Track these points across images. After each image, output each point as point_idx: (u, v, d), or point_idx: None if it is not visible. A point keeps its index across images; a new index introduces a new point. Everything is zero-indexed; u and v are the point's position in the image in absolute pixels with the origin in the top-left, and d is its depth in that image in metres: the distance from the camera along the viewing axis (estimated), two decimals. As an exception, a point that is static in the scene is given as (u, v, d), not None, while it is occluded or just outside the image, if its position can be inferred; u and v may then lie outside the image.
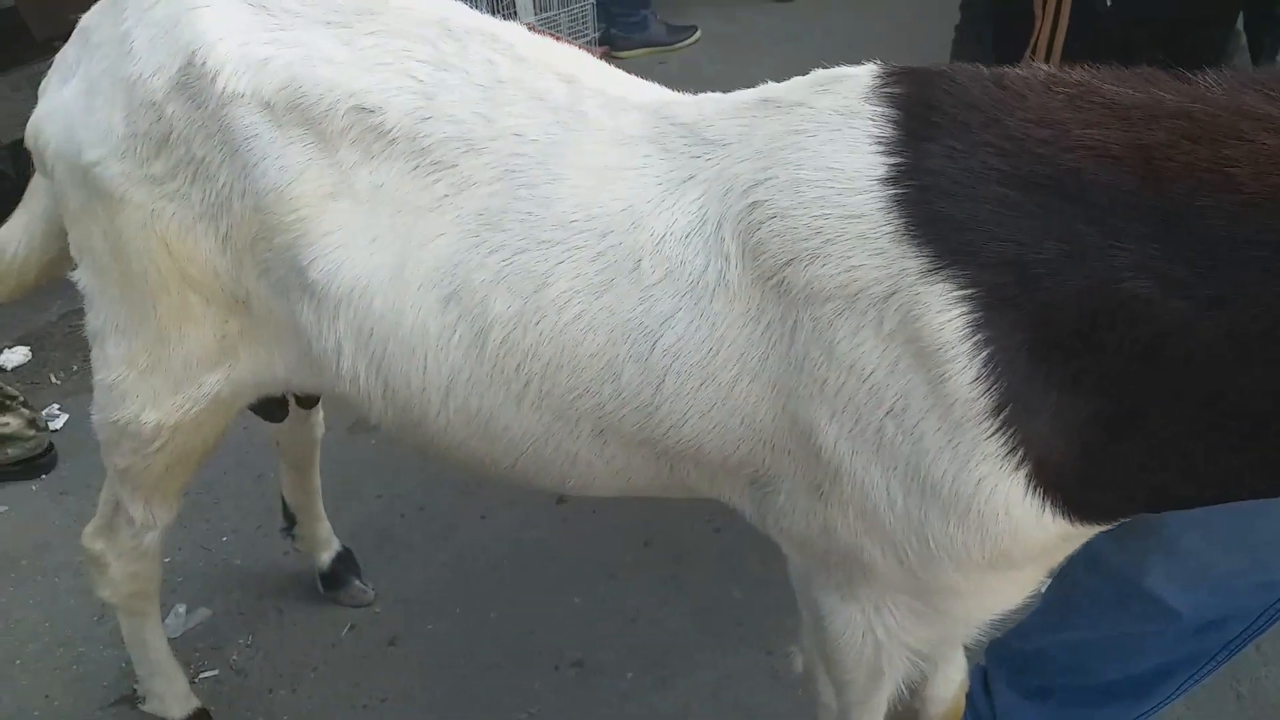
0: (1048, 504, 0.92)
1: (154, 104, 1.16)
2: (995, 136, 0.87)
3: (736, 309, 0.99)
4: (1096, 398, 0.86)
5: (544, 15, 3.92)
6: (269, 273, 1.19)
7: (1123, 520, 0.99)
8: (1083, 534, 1.00)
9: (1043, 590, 1.49)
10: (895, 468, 0.94)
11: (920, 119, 0.91)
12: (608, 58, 4.24)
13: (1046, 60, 1.83)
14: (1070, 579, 1.44)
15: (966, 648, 1.42)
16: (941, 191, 0.87)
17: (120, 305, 1.27)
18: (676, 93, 1.18)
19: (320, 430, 1.84)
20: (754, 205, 0.97)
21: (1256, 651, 1.77)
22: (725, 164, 1.01)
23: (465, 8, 1.22)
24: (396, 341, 1.13)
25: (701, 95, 1.14)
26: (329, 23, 1.17)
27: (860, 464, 0.96)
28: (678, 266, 1.01)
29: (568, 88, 1.13)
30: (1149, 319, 0.81)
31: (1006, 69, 0.93)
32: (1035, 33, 1.84)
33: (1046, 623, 1.50)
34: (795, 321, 0.96)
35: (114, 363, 1.30)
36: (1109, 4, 1.78)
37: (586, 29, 4.11)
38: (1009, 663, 1.55)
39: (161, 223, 1.20)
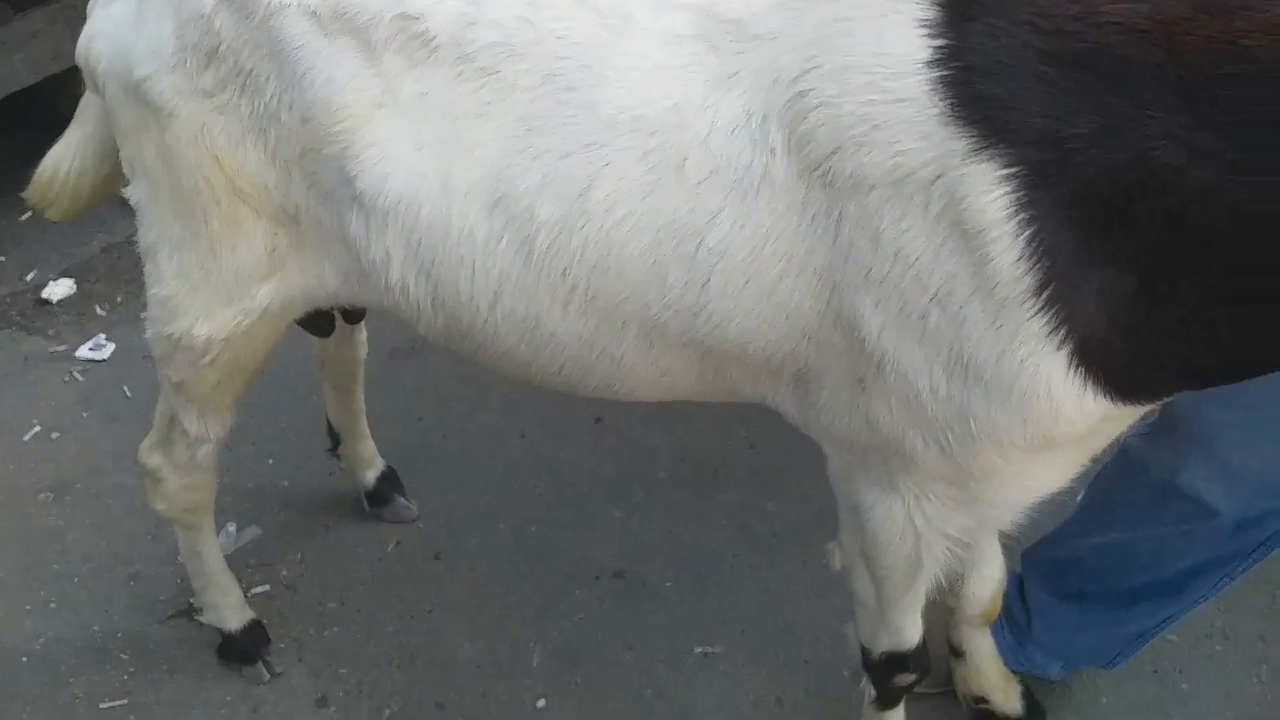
0: (1089, 383, 0.93)
1: (203, 16, 1.18)
2: (1032, 14, 0.88)
3: (782, 203, 1.00)
4: (1134, 272, 0.88)
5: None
6: (317, 184, 1.22)
7: (1164, 400, 1.00)
8: (1124, 414, 1.02)
9: (1079, 499, 1.52)
10: (939, 353, 0.96)
11: (962, 1, 0.91)
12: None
13: None
14: (1107, 482, 1.46)
15: (1005, 550, 1.45)
16: (984, 71, 0.89)
17: (173, 220, 1.30)
18: None
19: (364, 350, 1.88)
20: (800, 95, 0.98)
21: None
22: (772, 55, 1.02)
23: None
24: (444, 249, 1.15)
25: None
26: None
27: (904, 351, 0.98)
28: (723, 163, 1.02)
29: None
30: (1178, 187, 0.83)
31: None
32: None
33: (1082, 528, 1.52)
34: (841, 212, 0.97)
35: (167, 277, 1.34)
36: None
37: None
38: (1044, 568, 1.58)
39: (212, 136, 1.23)
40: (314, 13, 1.15)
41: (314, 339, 1.80)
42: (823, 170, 0.97)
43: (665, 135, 1.05)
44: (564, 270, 1.11)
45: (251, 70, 1.19)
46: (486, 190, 1.12)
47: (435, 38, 1.13)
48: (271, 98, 1.19)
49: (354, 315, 1.74)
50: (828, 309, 1.02)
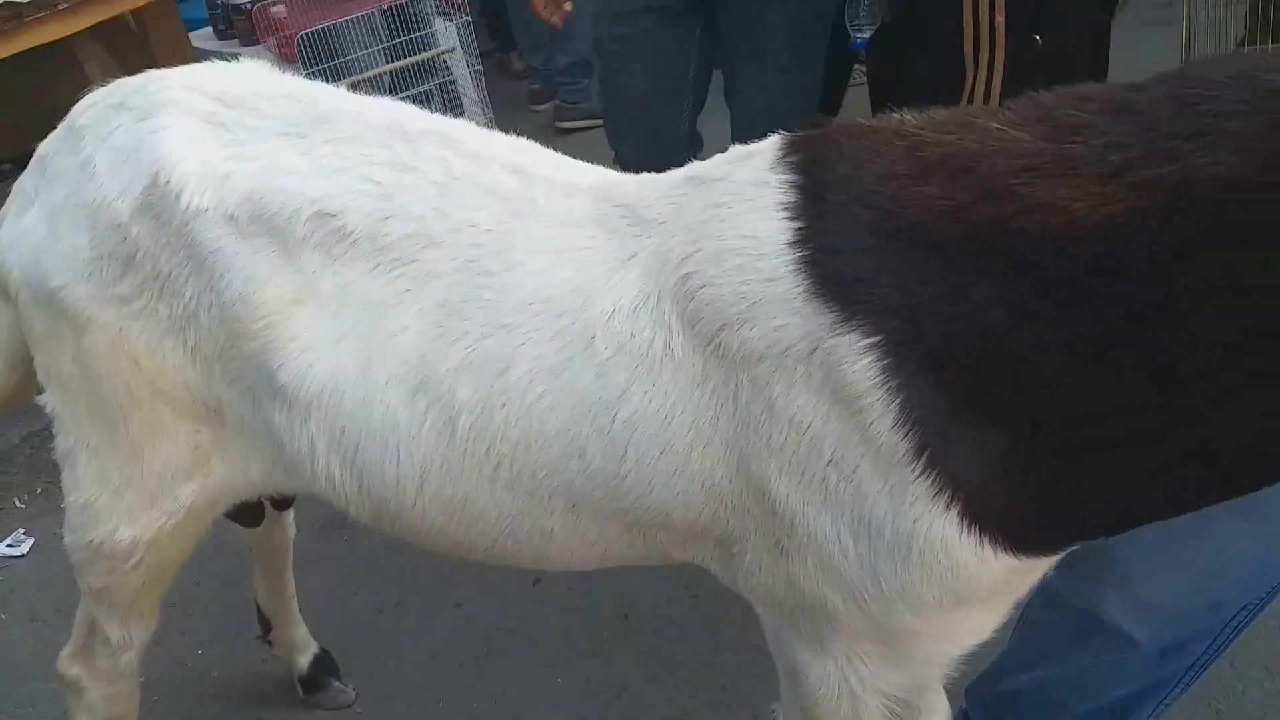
0: (985, 540, 0.96)
1: (119, 225, 1.20)
2: (861, 191, 0.95)
3: (684, 377, 1.04)
4: (1002, 429, 0.92)
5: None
6: (239, 380, 1.22)
7: (1067, 549, 1.03)
8: (1031, 566, 1.04)
9: (1014, 629, 1.53)
10: (843, 515, 0.99)
11: (814, 182, 0.99)
12: (553, 129, 4.37)
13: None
14: (1033, 615, 1.48)
15: (948, 690, 1.45)
16: (833, 249, 0.95)
17: (91, 425, 1.29)
18: (619, 173, 1.24)
19: (292, 531, 1.85)
20: (686, 276, 1.04)
21: (1230, 667, 1.81)
22: (661, 240, 1.08)
23: (416, 110, 1.28)
24: (368, 437, 1.16)
25: (641, 175, 1.20)
26: (287, 134, 1.22)
27: (812, 514, 1.01)
28: (628, 340, 1.07)
29: (518, 178, 1.19)
30: (1011, 347, 0.89)
31: (878, 120, 1.01)
32: (970, 84, 1.94)
33: (1018, 662, 1.53)
34: (737, 383, 1.02)
35: (86, 483, 1.32)
36: (1040, 43, 1.87)
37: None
38: (988, 704, 1.58)
39: (130, 340, 1.23)
40: (232, 216, 1.17)
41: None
42: (715, 345, 1.02)
43: (573, 315, 1.09)
44: (488, 449, 1.13)
45: (170, 274, 1.20)
46: (408, 376, 1.14)
47: (353, 232, 1.17)
48: (190, 299, 1.21)
49: (282, 503, 1.73)
50: (738, 475, 1.05)
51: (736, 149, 1.10)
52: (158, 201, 1.18)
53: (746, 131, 1.20)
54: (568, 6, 2.40)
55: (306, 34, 3.43)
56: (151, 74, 1.27)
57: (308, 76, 3.40)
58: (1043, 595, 1.43)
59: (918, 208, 0.91)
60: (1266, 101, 0.77)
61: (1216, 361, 0.84)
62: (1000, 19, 1.83)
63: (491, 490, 1.14)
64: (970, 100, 1.92)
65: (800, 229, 0.98)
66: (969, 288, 0.89)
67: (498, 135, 1.28)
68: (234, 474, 1.30)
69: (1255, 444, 0.88)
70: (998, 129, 0.91)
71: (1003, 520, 0.97)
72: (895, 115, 1.00)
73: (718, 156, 1.11)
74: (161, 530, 1.32)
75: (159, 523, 1.32)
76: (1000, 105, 0.95)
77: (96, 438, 1.30)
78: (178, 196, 1.17)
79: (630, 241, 1.11)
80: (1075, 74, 2.12)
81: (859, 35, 2.05)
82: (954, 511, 0.96)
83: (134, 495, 1.31)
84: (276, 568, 1.86)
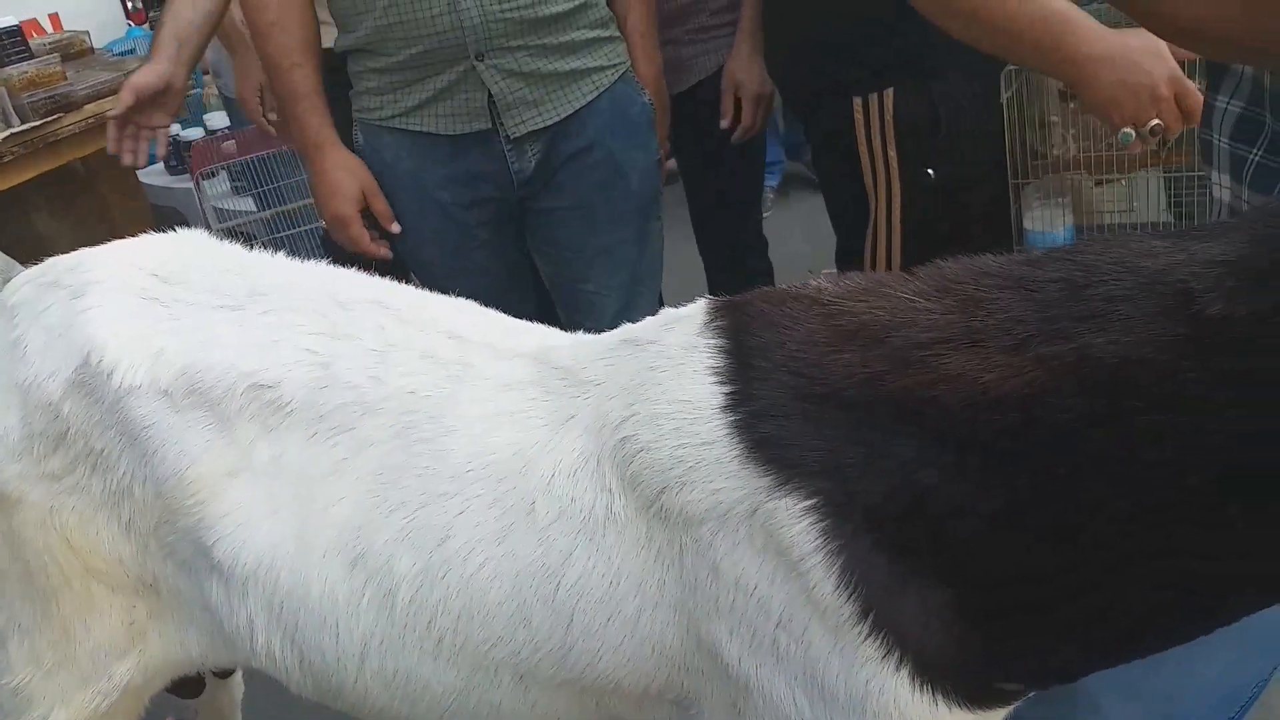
0: (939, 697, 0.95)
1: (50, 404, 1.18)
2: (785, 357, 0.97)
3: (627, 539, 1.03)
4: (942, 586, 0.92)
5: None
6: (174, 554, 1.20)
7: (1024, 698, 1.02)
8: (992, 717, 1.03)
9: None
10: (796, 677, 0.98)
11: (742, 347, 1.00)
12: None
13: (888, 237, 2.02)
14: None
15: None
16: (764, 414, 0.96)
17: (21, 605, 1.26)
18: (558, 334, 1.25)
19: (239, 690, 1.80)
20: (624, 440, 1.04)
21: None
22: (598, 402, 1.08)
23: (354, 275, 1.29)
24: (307, 612, 1.14)
25: (576, 336, 1.21)
26: (221, 306, 1.22)
27: (765, 676, 0.99)
28: (569, 504, 1.06)
29: (455, 343, 1.20)
30: (941, 504, 0.90)
31: (796, 286, 1.04)
32: (873, 214, 2.03)
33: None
34: (681, 545, 1.01)
35: (17, 665, 1.28)
36: (932, 176, 1.97)
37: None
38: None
39: (61, 517, 1.21)
40: (165, 391, 1.17)
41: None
42: (657, 508, 1.01)
43: (513, 480, 1.08)
44: (429, 622, 1.10)
45: (103, 450, 1.19)
46: (345, 548, 1.13)
47: (289, 402, 1.16)
48: (124, 474, 1.19)
49: (224, 672, 1.68)
50: (688, 638, 1.03)
51: (666, 312, 1.11)
52: (90, 380, 1.17)
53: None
54: (395, 228, 2.08)
55: (250, 159, 3.43)
56: (84, 252, 1.28)
57: (256, 198, 3.42)
58: None
59: (839, 374, 0.94)
60: (1149, 287, 0.83)
61: (1113, 533, 0.86)
62: (893, 153, 1.93)
63: (435, 665, 1.12)
64: (875, 229, 2.00)
65: (730, 393, 0.99)
66: (894, 450, 0.91)
67: (436, 298, 1.29)
68: (171, 649, 1.27)
69: (1151, 613, 0.90)
70: (908, 300, 0.94)
71: (953, 676, 0.96)
72: (813, 282, 1.03)
73: (649, 320, 1.13)
74: (97, 710, 1.28)
75: (94, 703, 1.28)
76: (907, 271, 0.99)
77: (27, 618, 1.26)
78: (110, 375, 1.16)
79: (569, 403, 1.11)
80: (971, 205, 2.23)
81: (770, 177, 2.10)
82: (904, 672, 0.95)
83: (67, 676, 1.27)
84: (225, 728, 1.80)
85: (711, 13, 2.44)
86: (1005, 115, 2.01)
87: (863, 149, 2.02)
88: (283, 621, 1.15)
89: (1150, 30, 1.22)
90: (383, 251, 2.06)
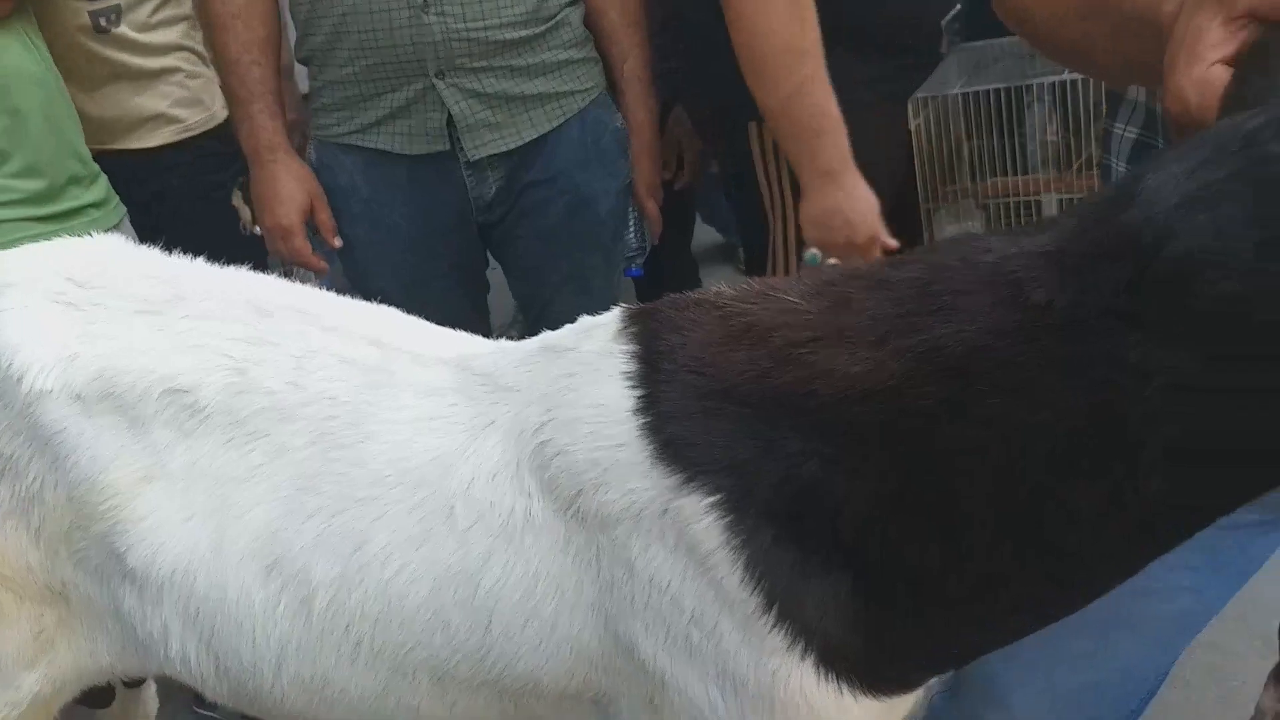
0: (844, 686, 1.00)
1: (-43, 410, 1.17)
2: (687, 359, 1.02)
3: (545, 542, 1.06)
4: (840, 576, 0.97)
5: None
6: (86, 561, 1.19)
7: (925, 684, 1.07)
8: (898, 704, 1.07)
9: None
10: (709, 671, 1.01)
11: (650, 352, 1.05)
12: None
13: (785, 258, 2.11)
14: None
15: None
16: (670, 415, 1.01)
17: (-74, 615, 1.23)
18: (480, 341, 1.26)
19: (154, 705, 1.76)
20: (542, 444, 1.06)
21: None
22: (518, 408, 1.11)
23: (275, 282, 1.30)
24: (223, 618, 1.14)
25: (498, 343, 1.23)
26: (140, 311, 1.22)
27: (679, 672, 1.03)
28: (488, 509, 1.08)
29: (377, 349, 1.21)
30: (829, 495, 0.95)
31: (699, 292, 1.09)
32: (772, 231, 2.11)
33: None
34: (598, 546, 1.04)
35: (-80, 675, 1.25)
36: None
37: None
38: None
39: (-32, 523, 1.19)
40: (78, 396, 1.16)
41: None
42: (573, 510, 1.04)
43: (432, 485, 1.10)
44: (346, 627, 1.11)
45: (12, 455, 1.18)
46: (261, 554, 1.13)
47: (206, 407, 1.16)
48: (34, 479, 1.18)
49: (134, 681, 1.65)
50: (606, 636, 1.06)
51: (584, 320, 1.14)
52: (-1, 384, 1.16)
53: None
54: (336, 243, 2.04)
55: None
56: (-2, 254, 1.26)
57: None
58: (928, 717, 1.47)
59: (733, 373, 0.99)
60: (986, 280, 0.90)
61: (984, 513, 0.92)
62: (785, 185, 2.04)
63: (352, 669, 1.12)
64: (772, 244, 2.10)
65: (641, 396, 1.02)
66: (784, 444, 0.96)
67: (359, 305, 1.30)
68: (81, 658, 1.25)
69: (1027, 589, 0.96)
70: (791, 302, 1.00)
71: (856, 665, 1.00)
72: (714, 289, 1.08)
73: (568, 327, 1.15)
74: (2, 723, 1.26)
75: (1, 715, 1.25)
76: (796, 276, 1.06)
77: (-68, 629, 1.23)
78: (19, 380, 1.15)
79: (489, 408, 1.13)
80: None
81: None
82: (809, 661, 0.99)
83: (-28, 687, 1.24)
84: (136, 745, 1.76)
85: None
86: (914, 142, 2.08)
87: (759, 172, 2.09)
88: (198, 627, 1.15)
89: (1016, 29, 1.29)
90: (322, 265, 2.02)
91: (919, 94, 2.08)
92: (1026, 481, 0.89)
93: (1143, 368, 0.80)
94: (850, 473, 0.94)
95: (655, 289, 2.80)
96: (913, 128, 2.07)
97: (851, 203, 1.86)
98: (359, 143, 1.91)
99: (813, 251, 1.94)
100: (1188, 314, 0.78)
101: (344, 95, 1.90)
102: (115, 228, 1.87)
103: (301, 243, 1.98)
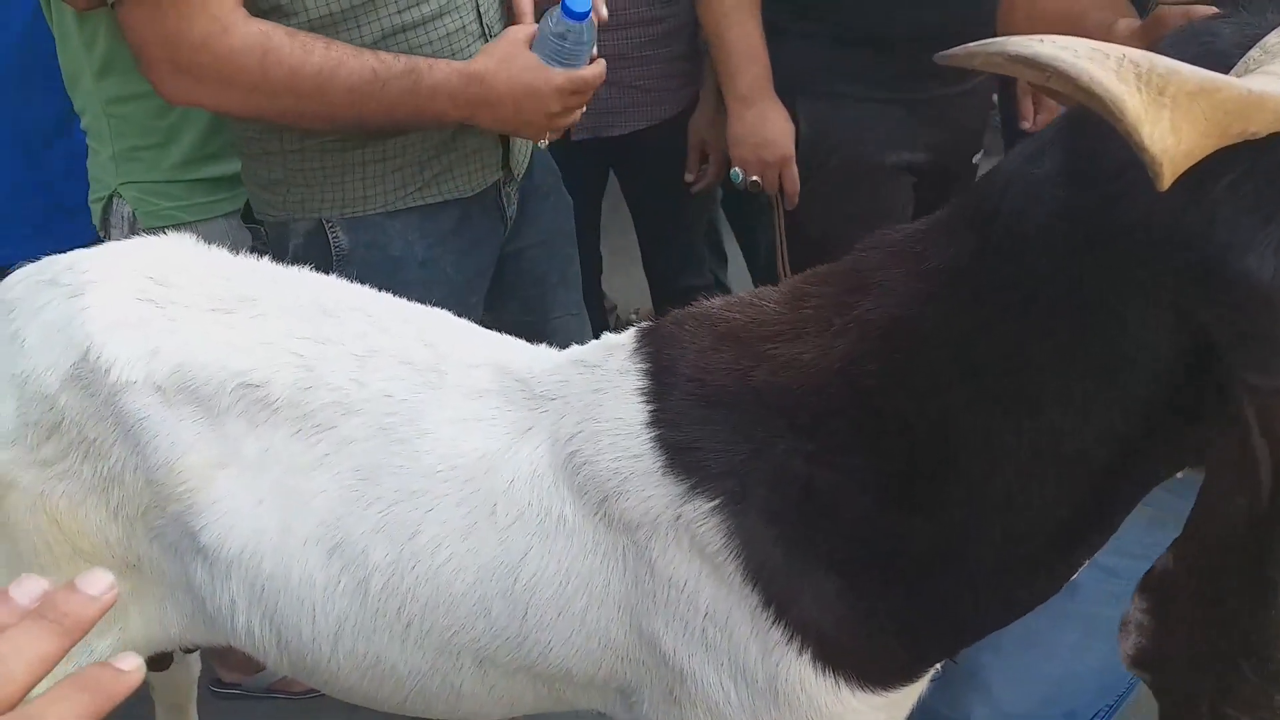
0: (840, 680, 1.09)
1: (46, 396, 1.26)
2: (686, 370, 1.11)
3: (576, 542, 1.16)
4: (833, 572, 1.05)
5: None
6: (161, 537, 1.29)
7: (921, 676, 1.15)
8: (895, 699, 1.16)
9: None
10: (723, 664, 1.11)
11: (657, 368, 1.14)
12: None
13: (781, 248, 2.27)
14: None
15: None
16: (675, 425, 1.10)
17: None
18: (519, 346, 1.33)
19: (197, 668, 1.87)
20: (572, 454, 1.16)
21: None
22: (554, 416, 1.20)
23: (338, 283, 1.38)
24: (286, 596, 1.23)
25: (535, 350, 1.31)
26: (214, 310, 1.31)
27: (697, 665, 1.12)
28: (526, 508, 1.18)
29: (430, 351, 1.30)
30: (813, 492, 1.03)
31: (693, 306, 1.17)
32: (778, 249, 2.25)
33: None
34: (622, 548, 1.14)
35: (4, 640, 1.34)
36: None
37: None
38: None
39: (51, 501, 1.28)
40: (159, 387, 1.25)
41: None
42: (601, 514, 1.14)
43: (478, 482, 1.20)
44: (399, 609, 1.21)
45: (95, 439, 1.27)
46: (324, 538, 1.22)
47: (276, 400, 1.25)
48: (115, 461, 1.27)
49: (189, 649, 1.75)
50: (631, 631, 1.16)
51: (609, 337, 1.24)
52: (87, 375, 1.25)
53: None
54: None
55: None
56: (80, 252, 1.35)
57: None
58: (917, 710, 1.55)
59: (720, 375, 1.08)
60: (895, 255, 1.01)
61: (943, 490, 0.99)
62: (781, 222, 2.24)
63: (403, 648, 1.22)
64: (779, 243, 2.31)
65: (653, 410, 1.12)
66: (771, 442, 1.05)
67: (414, 307, 1.38)
68: (151, 627, 1.35)
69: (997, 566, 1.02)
70: (768, 307, 1.10)
71: (852, 659, 1.09)
72: (707, 301, 1.18)
73: (594, 344, 1.25)
74: (77, 684, 1.35)
75: (76, 677, 1.34)
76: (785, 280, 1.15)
77: (16, 596, 1.33)
78: (107, 371, 1.24)
79: (527, 414, 1.22)
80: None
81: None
82: (807, 656, 1.08)
83: (50, 650, 1.33)
84: (180, 704, 1.87)
85: (665, 60, 2.54)
86: None
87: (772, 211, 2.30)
88: (264, 603, 1.25)
89: None
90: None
91: None
92: (964, 441, 0.95)
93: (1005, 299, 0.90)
94: (827, 467, 1.02)
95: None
96: None
97: (766, 125, 2.11)
98: (415, 202, 1.74)
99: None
100: (1022, 241, 0.89)
101: (405, 159, 1.72)
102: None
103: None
